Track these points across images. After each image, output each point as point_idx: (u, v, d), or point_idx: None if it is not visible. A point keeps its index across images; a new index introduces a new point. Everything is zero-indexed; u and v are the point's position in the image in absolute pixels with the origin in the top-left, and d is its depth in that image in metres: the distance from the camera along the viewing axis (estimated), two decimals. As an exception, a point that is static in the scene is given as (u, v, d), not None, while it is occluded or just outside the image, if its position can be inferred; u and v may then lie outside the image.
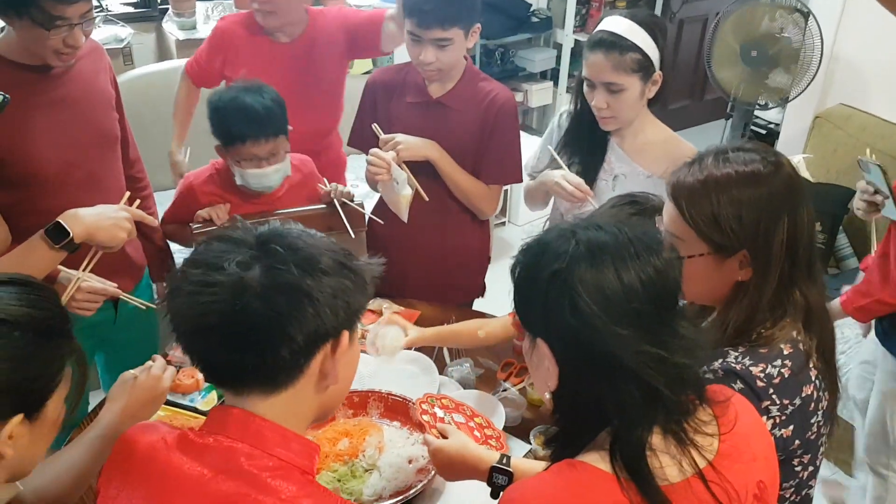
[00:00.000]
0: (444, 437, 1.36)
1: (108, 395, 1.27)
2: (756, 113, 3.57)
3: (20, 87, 1.60)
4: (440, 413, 1.51)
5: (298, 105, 2.06)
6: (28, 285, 0.93)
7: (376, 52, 2.41)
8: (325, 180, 2.06)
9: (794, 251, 1.15)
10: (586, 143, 1.91)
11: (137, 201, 1.66)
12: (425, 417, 1.46)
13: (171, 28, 3.41)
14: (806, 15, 3.02)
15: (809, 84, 3.07)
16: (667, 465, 0.90)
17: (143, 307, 1.70)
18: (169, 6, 3.44)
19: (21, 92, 1.60)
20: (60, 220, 1.47)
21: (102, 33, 3.16)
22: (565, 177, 1.86)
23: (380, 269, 0.99)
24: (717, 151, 1.19)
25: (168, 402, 1.66)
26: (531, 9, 4.43)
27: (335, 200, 1.98)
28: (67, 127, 1.69)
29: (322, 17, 2.34)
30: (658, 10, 4.88)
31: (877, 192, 1.90)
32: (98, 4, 3.26)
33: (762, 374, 1.12)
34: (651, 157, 1.86)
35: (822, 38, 2.99)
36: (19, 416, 0.88)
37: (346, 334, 0.94)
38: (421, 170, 1.95)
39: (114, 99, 1.83)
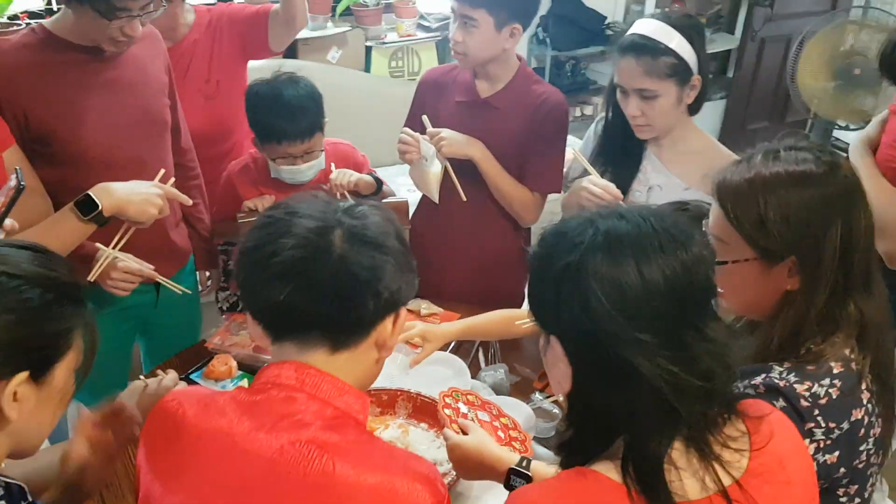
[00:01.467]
0: (465, 433, 1.30)
1: (116, 399, 1.27)
2: (836, 134, 3.39)
3: (73, 66, 1.65)
4: (464, 409, 1.45)
5: (189, 108, 2.00)
6: (43, 252, 0.95)
7: (266, 52, 2.28)
8: (332, 165, 1.97)
9: (848, 260, 1.05)
10: (620, 152, 1.83)
11: (172, 179, 1.68)
12: (447, 412, 1.41)
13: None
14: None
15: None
16: (686, 479, 0.83)
17: (180, 292, 1.71)
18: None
19: (74, 72, 1.65)
20: (91, 193, 1.50)
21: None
22: (592, 180, 1.77)
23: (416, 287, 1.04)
24: (768, 149, 1.10)
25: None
26: (606, 21, 4.35)
27: (336, 194, 1.90)
28: (117, 109, 1.73)
29: (208, 15, 2.22)
30: (739, 29, 4.73)
31: None
32: None
33: (808, 393, 1.02)
34: (690, 167, 1.75)
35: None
36: (24, 374, 0.88)
37: (403, 310, 1.00)
38: (464, 170, 1.91)
39: (167, 86, 1.87)
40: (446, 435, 1.30)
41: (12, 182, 1.32)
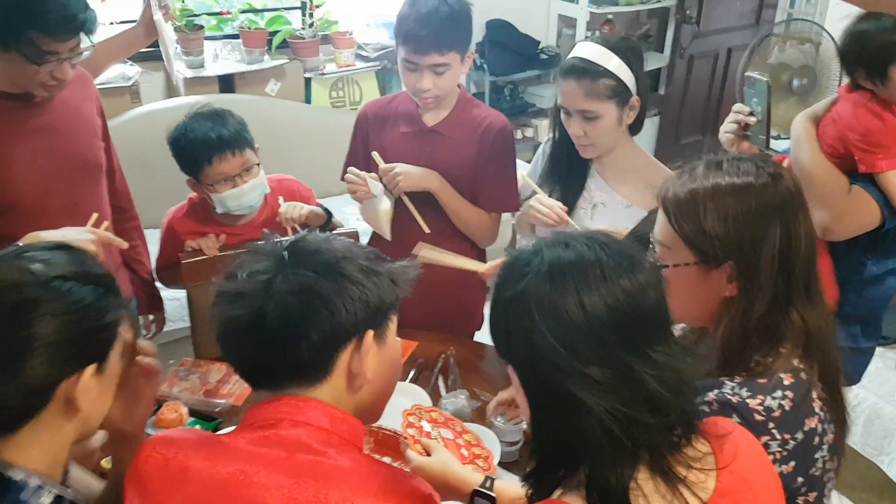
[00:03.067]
0: (428, 454, 1.28)
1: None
2: (774, 146, 3.50)
3: (1, 114, 1.58)
4: (427, 427, 1.43)
5: None
6: (72, 249, 1.01)
7: None
8: (280, 199, 1.96)
9: (788, 267, 1.06)
10: (566, 171, 1.86)
11: (106, 223, 1.62)
12: (410, 430, 1.38)
13: (180, 66, 3.44)
14: (817, 45, 2.97)
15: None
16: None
17: None
18: (178, 45, 3.47)
19: (1, 120, 1.58)
20: (20, 244, 1.43)
21: (110, 73, 3.18)
22: (539, 199, 1.80)
23: (417, 270, 1.07)
24: (710, 161, 1.13)
25: (150, 436, 1.61)
26: (539, 46, 4.44)
27: (287, 228, 1.89)
28: (49, 155, 1.67)
29: None
30: (668, 46, 4.88)
31: (751, 114, 1.74)
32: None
33: (761, 407, 1.02)
34: (631, 185, 1.80)
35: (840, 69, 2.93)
36: (94, 366, 0.95)
37: (370, 334, 0.98)
38: (418, 198, 1.90)
39: (100, 128, 1.81)
40: (409, 457, 1.28)
41: None
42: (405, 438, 1.48)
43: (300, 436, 0.93)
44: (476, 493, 1.18)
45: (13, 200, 1.62)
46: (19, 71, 1.54)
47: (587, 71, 1.69)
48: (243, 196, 1.87)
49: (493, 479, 1.21)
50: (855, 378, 2.01)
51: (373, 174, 1.87)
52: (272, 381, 0.98)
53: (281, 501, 0.88)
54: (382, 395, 1.06)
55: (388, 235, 1.90)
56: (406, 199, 1.88)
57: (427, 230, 1.90)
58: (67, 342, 0.92)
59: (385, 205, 1.85)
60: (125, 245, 1.67)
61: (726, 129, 1.81)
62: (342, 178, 1.97)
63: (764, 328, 1.07)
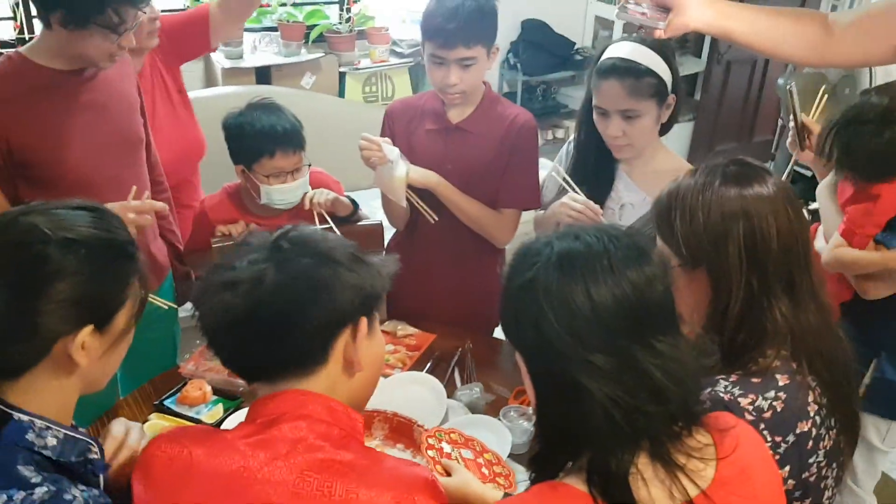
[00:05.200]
0: (449, 474, 1.31)
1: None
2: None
3: (52, 90, 1.67)
4: (447, 448, 1.46)
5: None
6: (97, 210, 1.03)
7: (206, 49, 2.37)
8: (308, 188, 2.00)
9: (759, 266, 1.07)
10: (592, 171, 1.87)
11: (147, 193, 1.70)
12: (430, 453, 1.41)
13: (219, 57, 3.52)
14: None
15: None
16: (654, 489, 0.84)
17: (165, 306, 1.71)
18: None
19: (53, 96, 1.68)
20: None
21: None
22: (573, 197, 1.81)
23: (396, 265, 1.07)
24: (694, 167, 1.16)
25: (173, 413, 1.66)
26: (575, 47, 4.44)
27: (314, 213, 1.93)
28: (95, 130, 1.75)
29: None
30: (706, 52, 4.85)
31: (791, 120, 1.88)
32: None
33: (751, 407, 1.04)
34: (661, 186, 1.78)
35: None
36: (89, 327, 0.96)
37: (363, 321, 1.00)
38: (434, 198, 1.94)
39: (139, 104, 1.89)
40: None
41: None
42: (420, 426, 1.52)
43: (302, 430, 0.95)
44: None
45: (63, 172, 1.70)
46: (94, 44, 1.61)
47: (630, 70, 1.69)
48: (289, 192, 1.93)
49: (510, 495, 1.23)
50: None
51: (387, 138, 1.89)
52: (268, 373, 0.99)
53: (285, 496, 0.90)
54: (372, 383, 1.08)
55: (402, 202, 1.91)
56: (410, 192, 1.91)
57: (434, 219, 1.93)
58: (72, 302, 0.94)
59: (401, 170, 1.86)
60: (165, 207, 1.74)
61: (790, 140, 1.95)
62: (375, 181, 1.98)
63: (748, 327, 1.08)
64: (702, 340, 1.26)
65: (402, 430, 1.58)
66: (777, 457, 1.04)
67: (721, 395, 1.05)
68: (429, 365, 1.87)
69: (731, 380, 1.07)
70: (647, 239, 0.93)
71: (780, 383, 1.06)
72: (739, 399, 1.04)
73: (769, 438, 1.04)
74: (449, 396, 1.72)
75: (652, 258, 0.88)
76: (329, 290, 0.96)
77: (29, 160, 1.68)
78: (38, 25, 3.33)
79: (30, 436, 0.94)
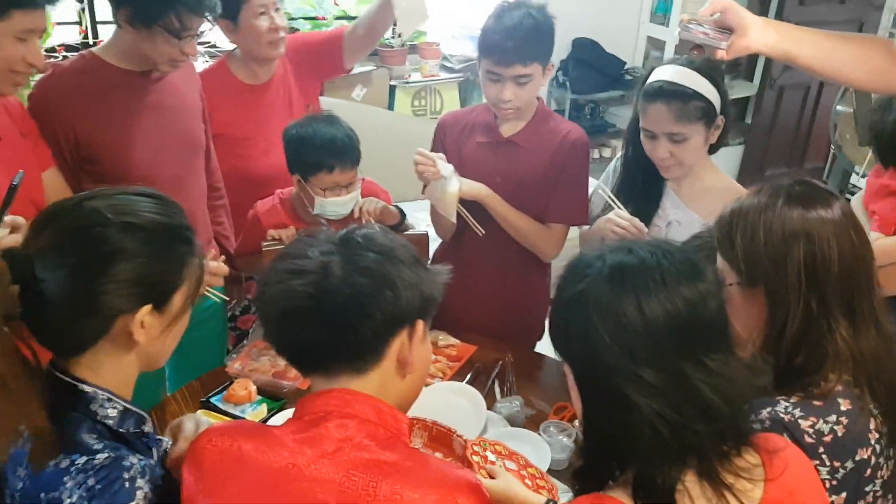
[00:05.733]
0: (492, 478, 1.32)
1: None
2: (855, 182, 3.40)
3: (121, 90, 1.76)
4: (492, 457, 1.46)
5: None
6: (158, 198, 1.08)
7: (340, 70, 2.44)
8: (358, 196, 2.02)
9: (819, 288, 1.06)
10: (640, 189, 1.86)
11: (221, 257, 1.65)
12: (475, 458, 1.42)
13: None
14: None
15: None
16: None
17: (218, 300, 1.75)
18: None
19: (121, 95, 1.76)
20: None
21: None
22: (619, 214, 1.80)
23: (448, 275, 1.07)
24: (756, 186, 1.16)
25: (219, 410, 1.70)
26: (625, 66, 4.43)
27: (363, 221, 1.96)
28: (158, 131, 1.82)
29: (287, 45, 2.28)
30: (758, 76, 4.79)
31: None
32: (210, 42, 3.51)
33: (812, 430, 1.02)
34: (709, 204, 1.76)
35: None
36: (148, 306, 1.01)
37: (420, 323, 1.02)
38: (482, 210, 1.95)
39: (202, 110, 1.95)
40: None
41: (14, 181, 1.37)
42: (459, 436, 1.53)
43: (349, 429, 0.96)
44: None
45: (126, 169, 1.78)
46: (157, 46, 1.69)
47: (677, 93, 1.69)
48: (342, 205, 1.97)
49: (555, 502, 1.23)
50: None
51: (441, 154, 1.91)
52: (324, 365, 1.00)
53: (331, 494, 0.91)
54: (419, 387, 1.09)
55: (453, 218, 1.93)
56: (460, 206, 1.93)
57: (481, 232, 1.95)
58: (132, 282, 0.98)
59: (453, 186, 1.88)
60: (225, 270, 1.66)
61: None
62: (423, 192, 2.00)
63: (807, 350, 1.07)
64: (754, 360, 1.25)
65: (442, 439, 1.59)
66: (834, 482, 1.03)
67: (781, 415, 1.04)
68: (469, 376, 1.88)
69: (792, 401, 1.06)
70: (700, 257, 0.93)
71: (843, 408, 1.05)
72: (800, 421, 1.03)
73: (828, 463, 1.02)
74: (488, 408, 1.73)
75: (706, 275, 0.88)
76: (394, 288, 0.97)
77: (93, 154, 1.76)
78: (102, 31, 3.49)
79: (93, 406, 1.00)
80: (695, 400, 0.83)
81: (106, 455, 0.95)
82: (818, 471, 1.02)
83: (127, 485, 0.94)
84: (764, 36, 1.39)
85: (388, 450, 0.95)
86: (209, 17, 1.69)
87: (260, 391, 1.76)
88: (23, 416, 0.93)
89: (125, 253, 0.98)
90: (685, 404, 0.82)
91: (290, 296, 0.97)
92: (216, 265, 1.58)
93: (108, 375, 1.03)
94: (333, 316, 0.96)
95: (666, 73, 1.74)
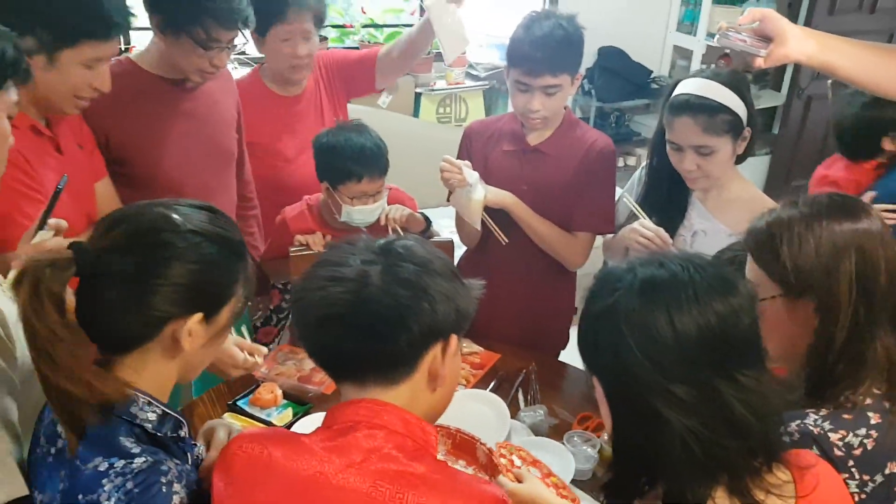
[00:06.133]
0: (520, 481, 1.32)
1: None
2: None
3: (155, 96, 1.79)
4: (517, 462, 1.47)
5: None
6: (216, 212, 1.10)
7: (371, 90, 2.46)
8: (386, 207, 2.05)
9: (868, 293, 1.07)
10: (665, 198, 1.86)
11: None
12: (503, 461, 1.43)
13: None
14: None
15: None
16: None
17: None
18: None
19: (155, 101, 1.80)
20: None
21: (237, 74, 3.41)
22: (643, 224, 1.80)
23: (481, 290, 1.07)
24: (789, 199, 1.16)
25: (245, 414, 1.72)
26: (652, 75, 4.42)
27: (389, 228, 1.98)
28: (191, 138, 1.85)
29: (319, 61, 2.34)
30: (786, 86, 4.75)
31: None
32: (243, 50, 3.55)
33: (841, 443, 1.02)
34: (735, 214, 1.76)
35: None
36: (200, 315, 1.03)
37: (454, 337, 1.02)
38: (507, 219, 1.96)
39: (236, 121, 1.98)
40: (501, 482, 1.31)
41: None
42: (483, 444, 1.53)
43: (377, 439, 0.96)
44: None
45: (156, 174, 1.81)
46: (185, 56, 1.72)
47: (703, 107, 1.68)
48: (369, 213, 1.99)
49: None
50: None
51: (467, 162, 1.92)
52: (356, 373, 1.01)
53: (367, 495, 0.91)
54: (448, 401, 1.09)
55: (478, 225, 1.94)
56: (484, 214, 1.93)
57: (505, 241, 1.95)
58: (187, 287, 1.00)
59: (479, 194, 1.89)
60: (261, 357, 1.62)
61: None
62: (448, 200, 2.01)
63: (848, 358, 1.07)
64: (787, 376, 1.25)
65: (465, 446, 1.59)
66: (864, 496, 1.02)
67: (811, 428, 1.04)
68: (493, 384, 1.88)
69: (821, 413, 1.06)
70: (732, 271, 0.92)
71: (872, 421, 1.04)
72: (829, 434, 1.03)
73: (857, 476, 1.02)
74: (511, 417, 1.73)
75: (738, 289, 0.87)
76: (431, 301, 0.97)
77: (124, 158, 1.79)
78: (135, 38, 3.54)
79: (133, 408, 1.01)
80: (726, 416, 0.82)
81: (144, 459, 0.96)
82: (847, 484, 1.01)
83: (164, 489, 0.96)
84: (803, 45, 1.38)
85: (416, 461, 0.96)
86: (241, 30, 1.72)
87: (285, 395, 1.78)
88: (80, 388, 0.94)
89: (186, 258, 1.01)
90: (716, 420, 0.82)
91: (329, 302, 0.97)
92: (256, 347, 1.57)
93: (150, 379, 1.04)
94: (371, 325, 0.96)
95: (692, 86, 1.73)
